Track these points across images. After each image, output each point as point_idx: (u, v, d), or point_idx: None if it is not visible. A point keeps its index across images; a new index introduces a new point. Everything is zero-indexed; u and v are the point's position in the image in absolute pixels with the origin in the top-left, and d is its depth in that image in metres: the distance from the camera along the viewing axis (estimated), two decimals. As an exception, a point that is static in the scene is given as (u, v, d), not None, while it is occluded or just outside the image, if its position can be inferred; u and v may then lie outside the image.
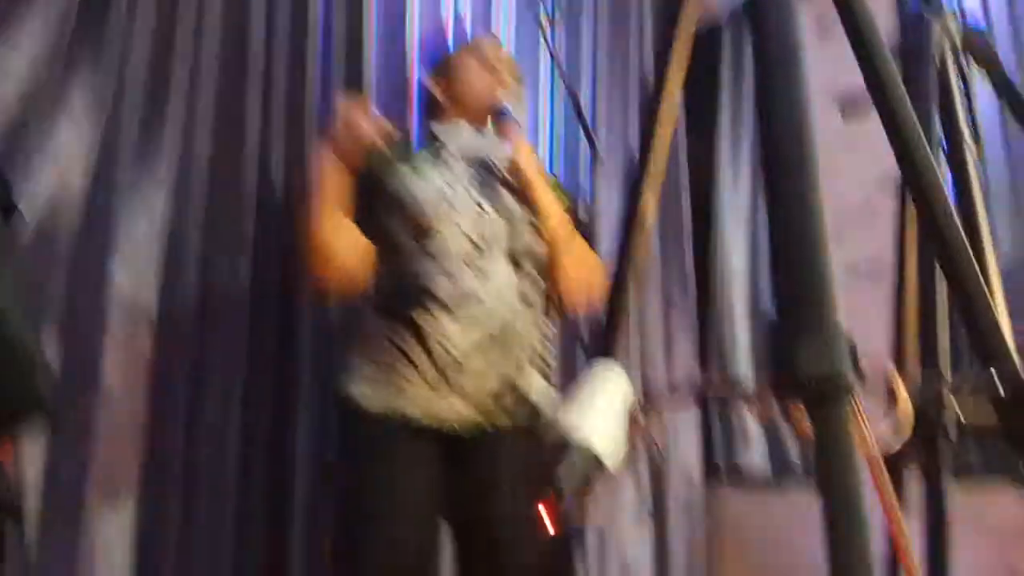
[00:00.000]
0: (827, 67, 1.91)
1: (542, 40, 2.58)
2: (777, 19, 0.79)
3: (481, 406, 1.63)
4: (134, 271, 1.86)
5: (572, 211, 1.83)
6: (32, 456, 1.67)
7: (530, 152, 1.73)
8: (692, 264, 2.81)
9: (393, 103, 2.30)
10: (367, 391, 1.65)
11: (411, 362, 1.61)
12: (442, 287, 1.60)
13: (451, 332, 1.59)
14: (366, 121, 1.62)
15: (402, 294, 1.64)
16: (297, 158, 2.11)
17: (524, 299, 1.68)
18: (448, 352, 1.59)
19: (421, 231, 1.64)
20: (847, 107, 1.23)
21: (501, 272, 1.65)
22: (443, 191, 1.68)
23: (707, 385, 0.87)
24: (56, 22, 1.77)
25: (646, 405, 0.91)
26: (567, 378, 2.23)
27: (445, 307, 1.60)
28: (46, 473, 1.71)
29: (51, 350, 1.74)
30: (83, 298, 1.80)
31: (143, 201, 1.89)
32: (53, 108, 1.80)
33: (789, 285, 0.70)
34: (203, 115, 1.98)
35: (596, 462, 0.81)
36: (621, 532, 2.50)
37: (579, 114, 1.19)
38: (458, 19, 2.49)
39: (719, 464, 2.82)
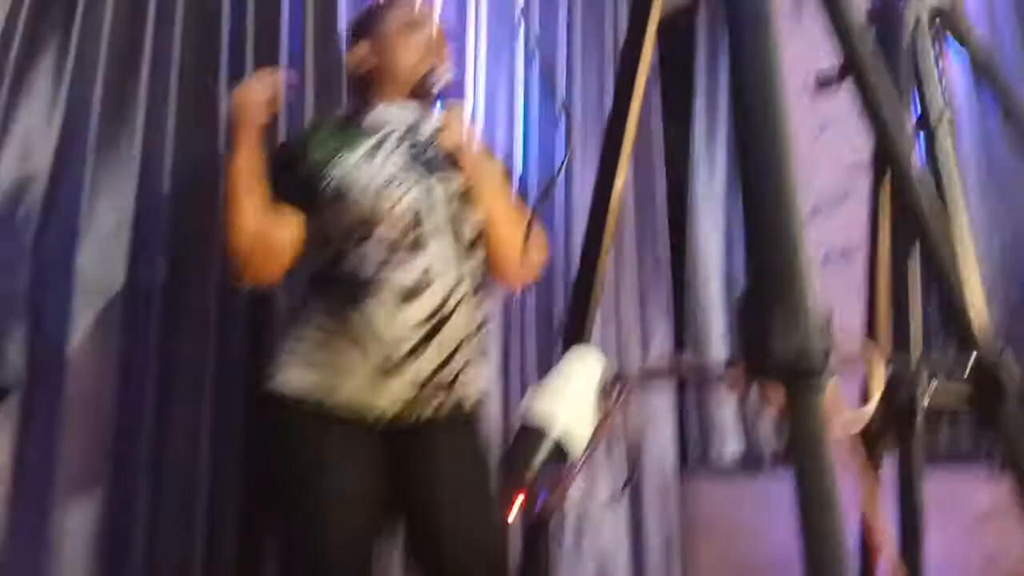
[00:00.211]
0: (801, 49, 1.90)
1: (517, 15, 2.54)
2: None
3: (420, 393, 1.60)
4: (100, 257, 1.82)
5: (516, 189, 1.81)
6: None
7: (462, 128, 1.70)
8: (667, 251, 2.80)
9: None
10: (301, 380, 1.61)
11: (350, 350, 1.58)
12: (381, 275, 1.58)
13: (391, 319, 1.57)
14: (260, 86, 1.63)
15: (340, 282, 1.61)
16: (267, 139, 2.07)
17: (465, 284, 1.65)
18: (387, 340, 1.56)
19: (360, 220, 1.61)
20: (821, 84, 1.21)
21: (441, 257, 1.62)
22: (381, 177, 1.64)
23: (682, 367, 0.86)
24: (17, 3, 1.73)
25: (621, 389, 0.89)
26: (543, 370, 2.21)
27: (385, 295, 1.57)
28: (13, 461, 1.68)
29: (17, 337, 1.71)
30: (50, 285, 1.77)
31: (109, 187, 1.85)
32: (16, 92, 1.76)
33: (762, 262, 0.68)
34: (170, 98, 1.93)
35: (566, 447, 0.79)
36: (596, 519, 2.49)
37: (552, 89, 1.16)
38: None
39: (693, 452, 2.82)
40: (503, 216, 1.70)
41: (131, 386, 1.81)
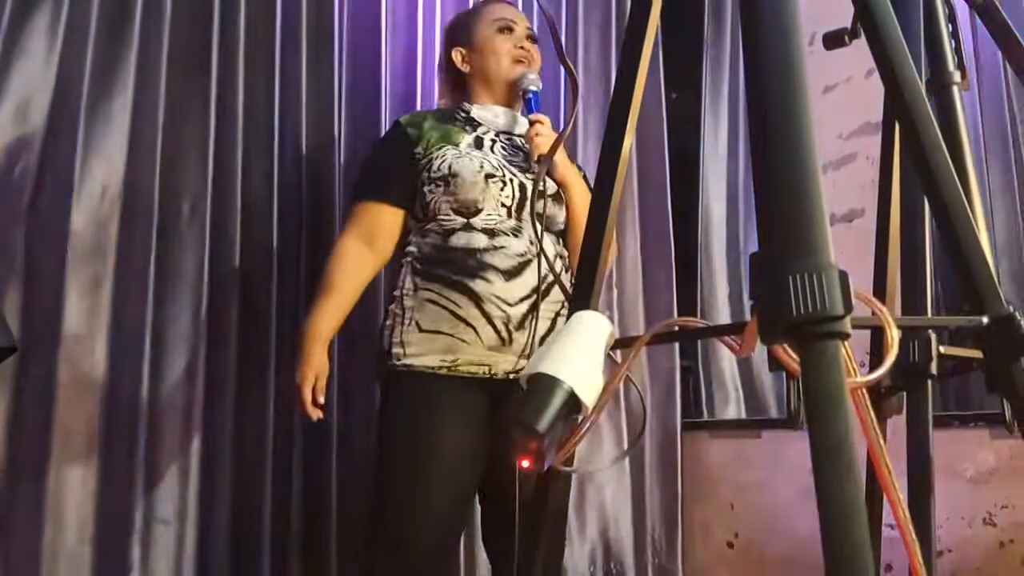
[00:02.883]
0: (807, 9, 1.86)
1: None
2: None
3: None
4: (94, 218, 1.82)
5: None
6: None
7: (551, 136, 1.77)
8: (671, 217, 2.78)
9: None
10: (418, 350, 1.68)
11: (468, 324, 1.67)
12: (488, 255, 1.69)
13: (502, 292, 1.68)
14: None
15: (453, 258, 1.70)
16: (262, 102, 2.05)
17: (558, 264, 1.78)
18: (502, 310, 1.67)
19: (470, 201, 1.71)
20: (829, 43, 1.19)
21: (537, 234, 1.72)
22: (486, 169, 1.74)
23: (686, 328, 0.85)
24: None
25: (625, 348, 0.88)
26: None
27: (495, 270, 1.68)
28: (9, 421, 1.69)
29: (13, 299, 1.71)
30: (43, 246, 1.76)
31: (100, 149, 1.85)
32: (10, 52, 1.75)
33: (778, 217, 0.66)
34: (162, 59, 1.92)
35: (579, 397, 0.78)
36: (600, 478, 2.50)
37: (560, 50, 1.14)
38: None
39: (697, 409, 2.84)
40: (582, 215, 1.73)
41: (125, 347, 1.82)
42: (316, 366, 1.68)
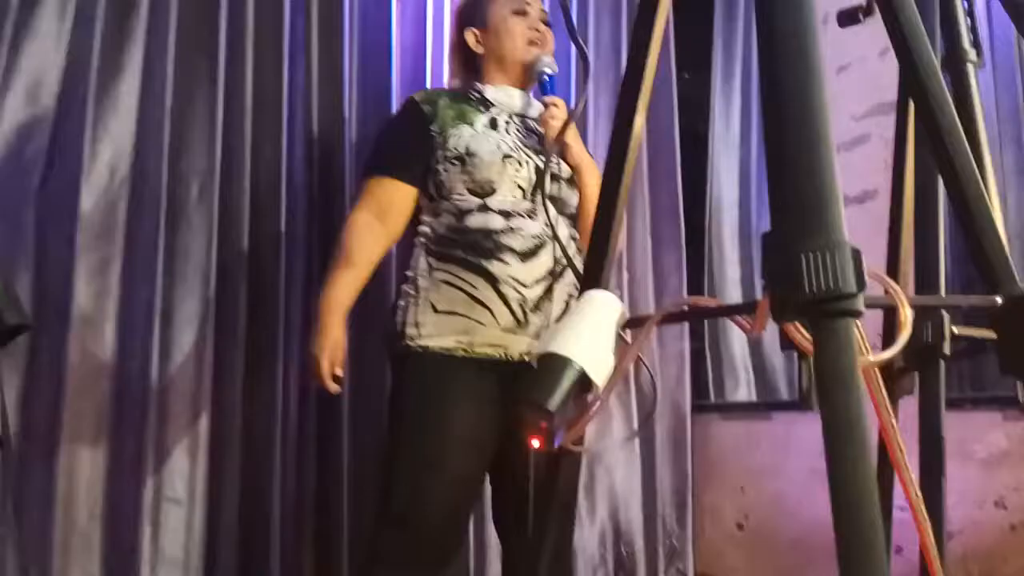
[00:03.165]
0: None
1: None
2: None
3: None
4: (103, 200, 1.82)
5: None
6: (7, 386, 1.65)
7: (565, 120, 1.75)
8: (681, 199, 2.77)
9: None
10: (434, 331, 1.67)
11: (485, 306, 1.66)
12: (504, 236, 1.69)
13: (520, 273, 1.68)
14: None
15: (469, 239, 1.70)
16: (271, 83, 2.05)
17: (571, 247, 1.78)
18: (519, 292, 1.67)
19: (485, 181, 1.71)
20: (844, 21, 1.18)
21: (551, 217, 1.72)
22: (502, 150, 1.74)
23: (697, 308, 0.85)
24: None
25: (637, 328, 0.88)
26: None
27: (511, 251, 1.68)
28: (21, 399, 1.70)
29: (23, 280, 1.71)
30: (53, 228, 1.77)
31: (109, 131, 1.85)
32: (21, 33, 1.75)
33: (791, 194, 0.66)
34: (170, 41, 1.91)
35: (590, 376, 0.78)
36: (610, 460, 2.51)
37: (572, 30, 1.13)
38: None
39: (707, 392, 2.83)
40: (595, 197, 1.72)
41: (135, 327, 1.83)
42: (334, 338, 1.67)
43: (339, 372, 1.68)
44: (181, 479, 1.84)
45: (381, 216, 1.75)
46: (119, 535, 1.77)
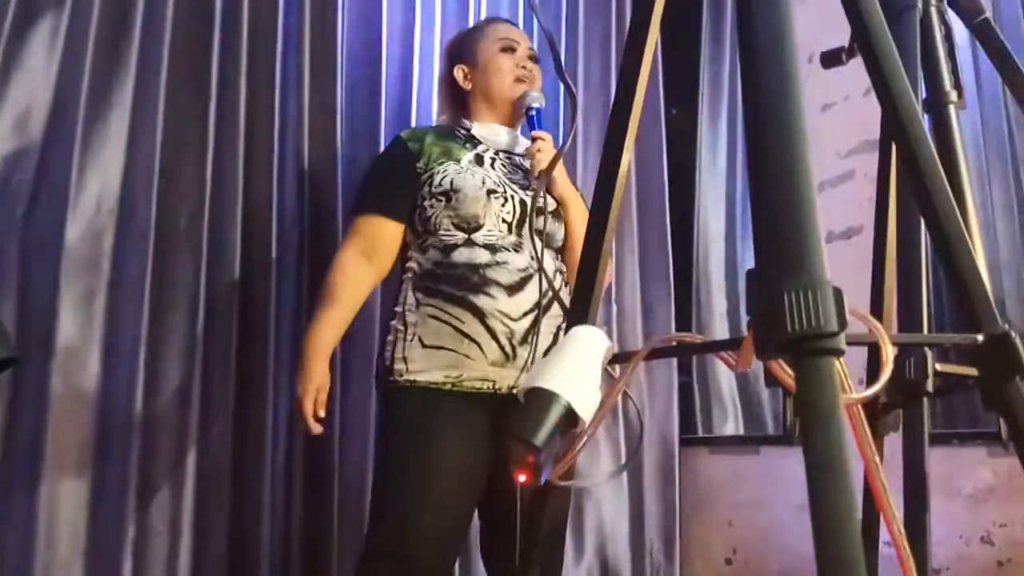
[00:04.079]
0: (805, 28, 1.88)
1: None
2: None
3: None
4: (89, 231, 1.82)
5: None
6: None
7: (552, 155, 1.76)
8: (669, 233, 2.79)
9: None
10: (422, 366, 1.68)
11: (472, 340, 1.67)
12: (490, 270, 1.70)
13: (505, 307, 1.69)
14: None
15: (455, 273, 1.71)
16: (262, 107, 2.06)
17: (558, 280, 1.79)
18: (506, 325, 1.68)
19: (470, 216, 1.73)
20: (827, 62, 1.20)
21: (535, 259, 1.73)
22: (487, 185, 1.75)
23: (684, 344, 0.85)
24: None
25: (623, 363, 0.88)
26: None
27: (498, 285, 1.69)
28: (4, 431, 1.69)
29: (7, 311, 1.70)
30: (38, 259, 1.76)
31: (97, 162, 1.85)
32: (9, 64, 1.76)
33: (773, 233, 0.67)
34: (161, 73, 1.92)
35: (576, 412, 0.78)
36: (597, 493, 2.50)
37: (559, 67, 1.15)
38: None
39: (694, 426, 2.83)
40: (580, 232, 1.75)
41: (119, 360, 1.81)
42: (318, 380, 1.68)
43: (322, 413, 1.68)
44: (165, 511, 1.82)
45: (369, 254, 1.76)
46: (101, 570, 1.75)
